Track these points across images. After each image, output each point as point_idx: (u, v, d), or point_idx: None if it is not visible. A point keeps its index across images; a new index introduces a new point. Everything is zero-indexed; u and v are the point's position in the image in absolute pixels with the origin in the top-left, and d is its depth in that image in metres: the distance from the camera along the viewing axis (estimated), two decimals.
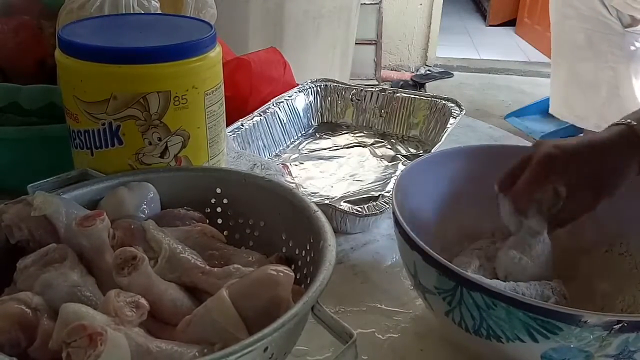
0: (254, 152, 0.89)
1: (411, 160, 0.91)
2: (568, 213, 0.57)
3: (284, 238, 0.53)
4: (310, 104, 1.07)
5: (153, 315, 0.43)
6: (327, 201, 0.79)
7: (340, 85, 1.09)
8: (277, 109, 0.99)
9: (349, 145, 1.01)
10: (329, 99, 1.09)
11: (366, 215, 0.71)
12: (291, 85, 1.08)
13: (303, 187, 0.86)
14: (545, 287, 0.56)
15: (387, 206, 0.72)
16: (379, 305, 0.62)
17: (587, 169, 0.55)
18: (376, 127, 1.07)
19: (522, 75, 4.02)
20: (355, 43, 2.48)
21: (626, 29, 1.21)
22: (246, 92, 1.00)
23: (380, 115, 1.07)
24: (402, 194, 0.57)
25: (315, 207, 0.50)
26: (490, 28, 5.12)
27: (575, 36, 1.57)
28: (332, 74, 2.16)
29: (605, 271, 0.62)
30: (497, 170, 0.60)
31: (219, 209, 0.57)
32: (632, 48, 1.35)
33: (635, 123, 0.55)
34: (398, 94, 1.07)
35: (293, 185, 0.85)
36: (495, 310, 0.44)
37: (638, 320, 0.42)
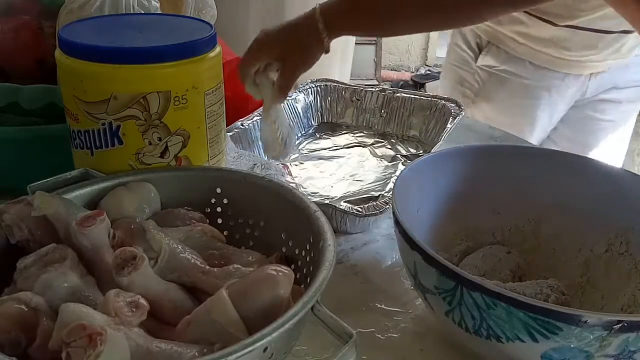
0: (254, 152, 0.89)
1: (411, 160, 0.91)
2: (285, 78, 0.71)
3: (284, 238, 0.53)
4: (310, 104, 1.07)
5: (153, 315, 0.43)
6: (327, 201, 0.79)
7: (340, 85, 1.09)
8: None
9: (349, 145, 1.01)
10: (329, 99, 1.09)
11: (366, 215, 0.71)
12: None
13: (303, 187, 0.86)
14: (543, 285, 0.56)
15: (387, 206, 0.72)
16: (379, 305, 0.62)
17: (282, 46, 0.69)
18: (376, 127, 1.07)
19: None
20: (355, 43, 2.47)
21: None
22: (246, 92, 1.00)
23: (380, 115, 1.07)
24: (402, 194, 0.57)
25: (315, 207, 0.50)
26: None
27: None
28: (332, 74, 2.15)
29: (605, 271, 0.62)
30: (497, 170, 0.60)
31: (219, 209, 0.57)
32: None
33: (318, 6, 0.69)
34: (398, 94, 1.07)
35: (293, 185, 0.84)
36: (495, 310, 0.44)
37: (638, 320, 0.42)
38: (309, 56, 0.71)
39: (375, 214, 0.71)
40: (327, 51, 0.72)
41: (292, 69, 0.71)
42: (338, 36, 0.71)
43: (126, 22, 0.64)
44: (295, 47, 0.70)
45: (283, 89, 0.72)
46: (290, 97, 1.03)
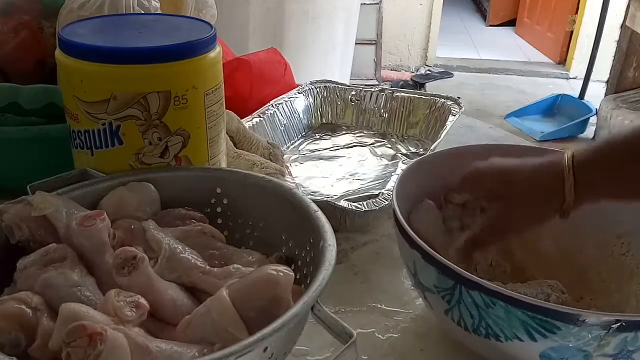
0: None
1: (411, 159, 0.91)
2: (485, 234, 0.54)
3: (284, 238, 0.54)
4: (310, 105, 1.07)
5: (153, 315, 0.43)
6: (327, 199, 0.79)
7: (339, 86, 1.10)
8: (276, 110, 0.99)
9: (349, 145, 1.01)
10: (329, 100, 1.09)
11: (365, 212, 0.71)
12: (291, 86, 1.08)
13: (303, 187, 0.86)
14: (544, 286, 0.56)
15: (387, 202, 0.72)
16: (379, 305, 0.62)
17: (505, 187, 0.52)
18: (376, 127, 1.07)
19: (522, 75, 4.03)
20: (355, 43, 2.48)
21: None
22: (246, 92, 1.00)
23: (380, 115, 1.07)
24: (402, 193, 0.57)
25: (315, 207, 0.50)
26: (490, 28, 5.13)
27: None
28: (332, 74, 2.16)
29: (606, 271, 0.62)
30: None
31: (219, 209, 0.57)
32: None
33: (571, 155, 0.51)
34: (398, 94, 1.07)
35: (293, 185, 0.85)
36: (494, 309, 0.44)
37: (636, 320, 0.42)
38: (532, 216, 0.52)
39: (374, 211, 0.71)
40: (563, 216, 0.52)
41: (507, 220, 0.53)
42: (587, 202, 0.51)
43: (126, 22, 0.64)
44: (529, 194, 0.52)
45: (475, 243, 0.54)
46: (290, 98, 1.03)
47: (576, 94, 3.24)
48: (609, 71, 3.00)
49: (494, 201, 0.53)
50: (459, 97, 1.03)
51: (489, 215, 0.53)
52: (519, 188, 0.52)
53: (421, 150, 1.00)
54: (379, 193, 0.83)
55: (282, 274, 0.42)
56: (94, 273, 0.46)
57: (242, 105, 0.97)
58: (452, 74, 3.96)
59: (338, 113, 1.09)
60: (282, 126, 1.00)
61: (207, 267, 0.48)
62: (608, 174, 0.50)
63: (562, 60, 4.14)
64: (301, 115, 1.05)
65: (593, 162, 0.50)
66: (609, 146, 0.50)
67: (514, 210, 0.52)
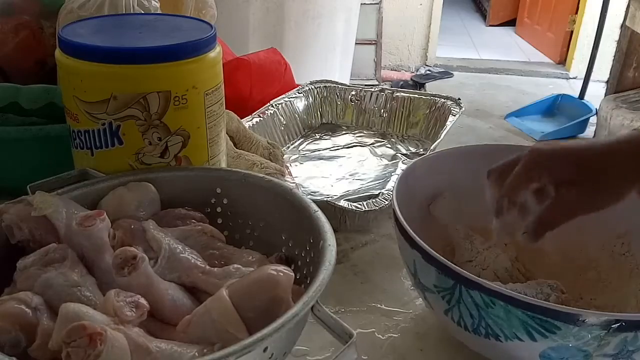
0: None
1: (411, 159, 0.91)
2: (555, 215, 0.51)
3: (284, 238, 0.54)
4: (310, 106, 1.07)
5: (153, 315, 0.43)
6: (327, 199, 0.79)
7: (339, 86, 1.10)
8: (276, 110, 0.99)
9: (349, 145, 1.01)
10: (329, 100, 1.09)
11: (365, 212, 0.71)
12: (291, 85, 1.08)
13: (303, 187, 0.86)
14: (543, 285, 0.56)
15: (387, 202, 0.72)
16: (379, 305, 0.62)
17: (578, 171, 0.49)
18: (376, 127, 1.07)
19: (522, 75, 4.02)
20: (355, 43, 2.48)
21: None
22: (246, 92, 1.00)
23: (380, 115, 1.07)
24: (402, 193, 0.57)
25: (315, 207, 0.50)
26: (490, 28, 5.13)
27: None
28: (332, 74, 2.16)
29: (606, 271, 0.62)
30: None
31: (219, 209, 0.57)
32: None
33: None
34: (398, 94, 1.07)
35: (293, 185, 0.85)
36: (493, 309, 0.44)
37: (636, 320, 0.42)
38: (607, 195, 0.49)
39: (374, 210, 0.71)
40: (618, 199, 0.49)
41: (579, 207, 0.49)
42: None
43: (126, 22, 0.64)
44: (605, 175, 0.48)
45: (545, 225, 0.51)
46: (289, 98, 1.03)
47: (576, 94, 3.23)
48: (609, 71, 3.00)
49: (564, 185, 0.49)
50: (459, 98, 1.03)
51: (560, 199, 0.49)
52: (593, 171, 0.49)
53: (421, 150, 1.00)
54: (379, 193, 0.83)
55: (282, 274, 0.42)
56: (94, 273, 0.46)
57: (242, 105, 0.97)
58: (452, 74, 3.96)
59: (338, 113, 1.09)
60: (282, 126, 1.00)
61: (207, 267, 0.48)
62: None
63: (562, 60, 4.14)
64: (301, 115, 1.05)
65: None
66: None
67: (589, 194, 0.49)
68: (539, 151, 0.50)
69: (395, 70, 4.06)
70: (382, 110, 1.07)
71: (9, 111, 0.72)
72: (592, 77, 3.17)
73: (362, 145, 1.01)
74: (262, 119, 0.95)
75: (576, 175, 0.49)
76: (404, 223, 0.51)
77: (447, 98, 1.03)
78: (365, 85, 1.22)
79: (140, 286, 0.43)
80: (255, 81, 1.00)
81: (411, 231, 0.50)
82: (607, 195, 0.49)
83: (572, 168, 0.49)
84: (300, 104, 1.05)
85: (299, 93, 1.06)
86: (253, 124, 0.92)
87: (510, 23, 5.02)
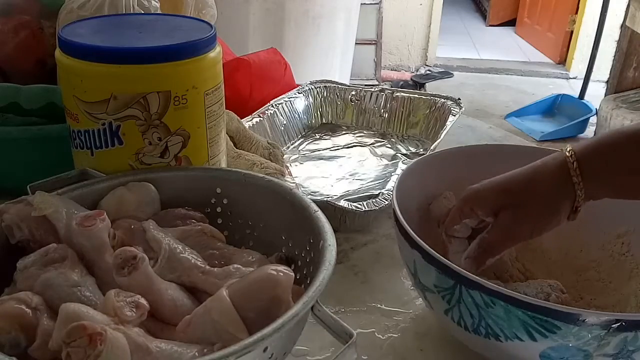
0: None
1: (411, 159, 0.91)
2: (495, 240, 0.52)
3: (284, 238, 0.54)
4: (310, 106, 1.07)
5: (153, 315, 0.43)
6: (327, 199, 0.79)
7: (339, 86, 1.10)
8: (276, 110, 0.99)
9: (349, 145, 1.01)
10: (329, 100, 1.09)
11: (365, 212, 0.71)
12: (291, 86, 1.08)
13: (303, 187, 0.86)
14: (543, 285, 0.56)
15: (387, 202, 0.72)
16: (379, 305, 0.62)
17: (506, 196, 0.51)
18: (376, 127, 1.07)
19: (522, 75, 4.03)
20: (355, 43, 2.48)
21: None
22: (246, 92, 1.00)
23: (380, 116, 1.07)
24: (402, 193, 0.57)
25: (315, 207, 0.50)
26: (490, 28, 5.13)
27: None
28: (332, 74, 2.16)
29: (606, 271, 0.62)
30: (497, 170, 0.59)
31: (219, 209, 0.57)
32: None
33: (571, 151, 0.50)
34: (398, 94, 1.07)
35: (293, 185, 0.85)
36: (493, 309, 0.44)
37: (636, 320, 0.42)
38: (553, 215, 0.50)
39: (374, 210, 0.71)
40: (571, 218, 0.51)
41: (518, 226, 0.51)
42: (596, 197, 0.50)
43: (126, 22, 0.64)
44: (533, 197, 0.50)
45: (486, 251, 0.52)
46: (289, 98, 1.03)
47: (576, 94, 3.24)
48: (609, 71, 3.00)
49: (500, 212, 0.52)
50: (459, 98, 1.03)
51: (497, 224, 0.52)
52: (522, 195, 0.51)
53: (421, 150, 1.00)
54: (379, 193, 0.83)
55: (282, 274, 0.42)
56: (94, 273, 0.46)
57: (242, 105, 0.97)
58: (452, 74, 3.96)
59: (338, 113, 1.09)
60: (282, 126, 1.00)
61: (207, 267, 0.48)
62: (613, 164, 0.49)
63: (562, 60, 4.15)
64: (301, 115, 1.05)
65: (596, 152, 0.49)
66: (610, 137, 0.50)
67: (524, 217, 0.51)
68: (470, 190, 0.54)
69: (395, 70, 4.06)
70: (382, 110, 1.07)
71: (9, 111, 0.72)
72: (592, 77, 3.17)
73: (362, 145, 1.01)
74: (262, 119, 0.95)
75: (507, 200, 0.51)
76: (404, 223, 0.51)
77: (447, 98, 1.03)
78: (365, 85, 1.22)
79: (140, 286, 0.43)
80: (255, 81, 1.00)
81: (411, 231, 0.50)
82: (544, 217, 0.51)
83: (500, 196, 0.52)
84: (300, 104, 1.05)
85: (299, 93, 1.06)
86: (253, 124, 0.92)
87: (510, 23, 5.03)
